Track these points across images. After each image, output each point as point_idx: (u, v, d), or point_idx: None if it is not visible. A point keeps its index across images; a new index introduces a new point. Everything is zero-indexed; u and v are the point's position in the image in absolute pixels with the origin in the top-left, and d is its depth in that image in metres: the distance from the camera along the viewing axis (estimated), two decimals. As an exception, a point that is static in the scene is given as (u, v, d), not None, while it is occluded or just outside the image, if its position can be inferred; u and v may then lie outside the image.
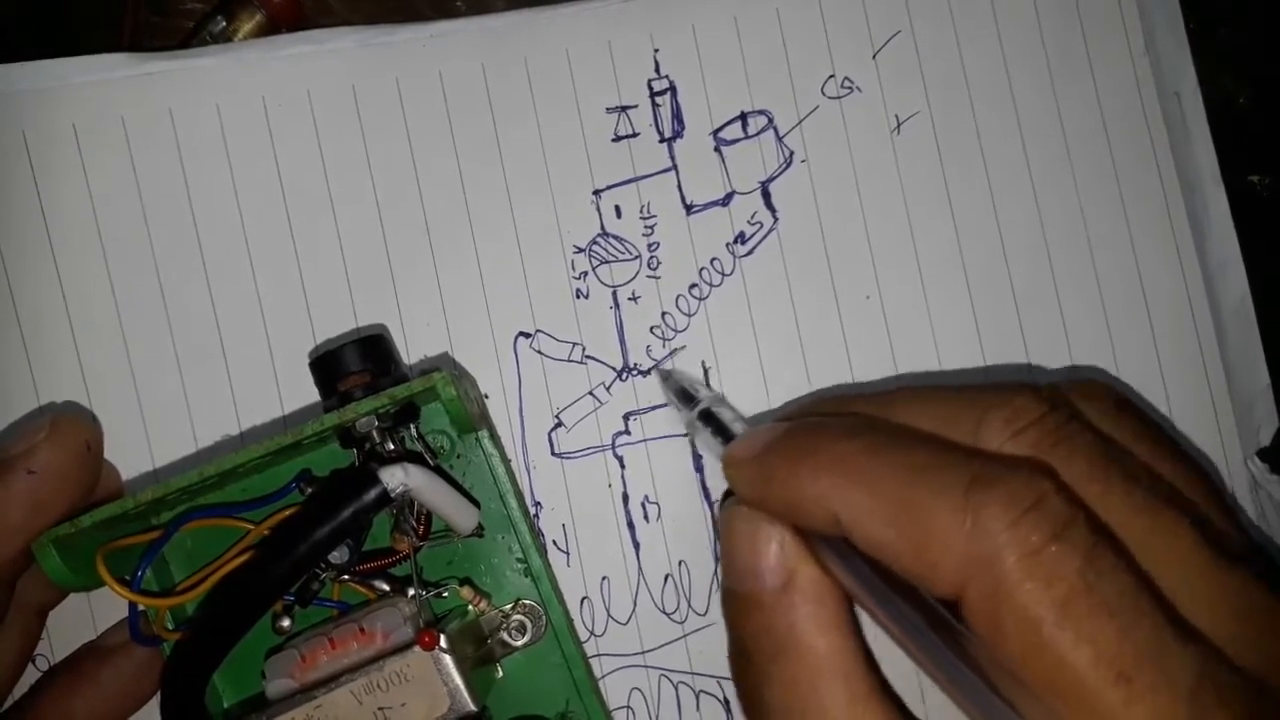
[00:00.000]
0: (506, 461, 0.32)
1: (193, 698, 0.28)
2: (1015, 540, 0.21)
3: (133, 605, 0.29)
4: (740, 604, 0.27)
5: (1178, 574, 0.22)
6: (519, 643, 0.32)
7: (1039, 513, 0.21)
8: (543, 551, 0.33)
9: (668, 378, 0.34)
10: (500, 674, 0.32)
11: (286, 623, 0.30)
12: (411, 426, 0.31)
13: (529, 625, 0.32)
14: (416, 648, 0.27)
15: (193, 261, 0.34)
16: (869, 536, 0.23)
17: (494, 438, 0.32)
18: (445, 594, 0.31)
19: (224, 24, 0.36)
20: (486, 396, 0.34)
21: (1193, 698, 0.20)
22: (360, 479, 0.28)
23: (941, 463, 0.23)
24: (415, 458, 0.30)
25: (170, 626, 0.30)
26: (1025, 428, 0.24)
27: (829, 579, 0.26)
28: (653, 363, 0.34)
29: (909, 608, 0.23)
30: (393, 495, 0.28)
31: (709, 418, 0.31)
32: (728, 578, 0.27)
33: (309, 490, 0.30)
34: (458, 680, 0.27)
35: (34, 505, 0.28)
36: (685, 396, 0.33)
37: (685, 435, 0.34)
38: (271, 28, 0.36)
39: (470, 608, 0.31)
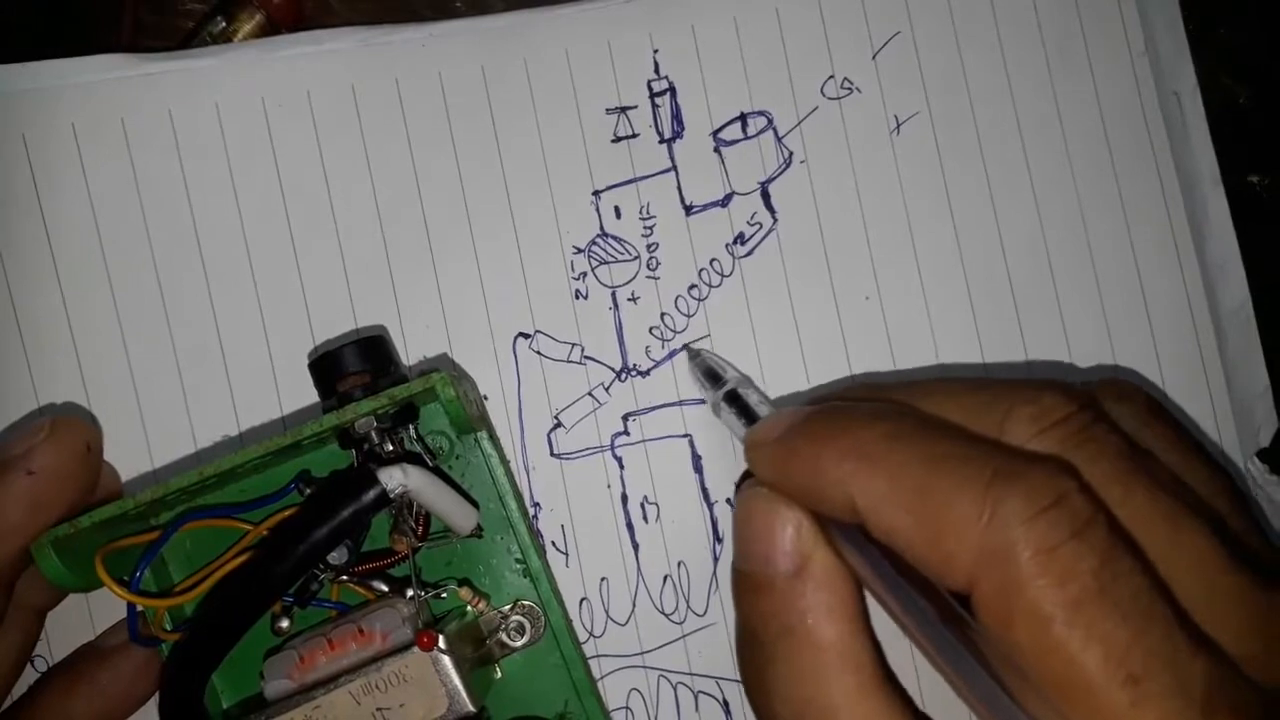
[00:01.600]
0: (505, 462, 0.32)
1: (191, 698, 0.28)
2: (1031, 536, 0.21)
3: (131, 606, 0.29)
4: (751, 586, 0.26)
5: (1195, 582, 0.22)
6: (518, 643, 0.32)
7: (1058, 510, 0.21)
8: (541, 552, 0.33)
9: (695, 357, 0.34)
10: (499, 675, 0.32)
11: (285, 623, 0.30)
12: (410, 427, 0.31)
13: (528, 626, 0.32)
14: (415, 648, 0.27)
15: (192, 262, 0.34)
16: (885, 524, 0.23)
17: (493, 438, 0.32)
18: (444, 595, 0.31)
19: (224, 24, 0.36)
20: (485, 397, 0.34)
21: (1204, 706, 0.20)
22: (359, 480, 0.28)
23: (964, 454, 0.23)
24: (414, 458, 0.30)
25: (169, 627, 0.30)
26: (1051, 426, 0.24)
27: (843, 567, 0.25)
28: (652, 363, 0.34)
29: (920, 599, 0.23)
30: (391, 496, 0.28)
31: (734, 399, 0.31)
32: (740, 558, 0.27)
33: (308, 491, 0.30)
34: (456, 681, 0.27)
35: (33, 506, 0.28)
36: (712, 377, 0.33)
37: (684, 436, 0.34)
38: (271, 28, 0.36)
39: (469, 608, 0.31)
